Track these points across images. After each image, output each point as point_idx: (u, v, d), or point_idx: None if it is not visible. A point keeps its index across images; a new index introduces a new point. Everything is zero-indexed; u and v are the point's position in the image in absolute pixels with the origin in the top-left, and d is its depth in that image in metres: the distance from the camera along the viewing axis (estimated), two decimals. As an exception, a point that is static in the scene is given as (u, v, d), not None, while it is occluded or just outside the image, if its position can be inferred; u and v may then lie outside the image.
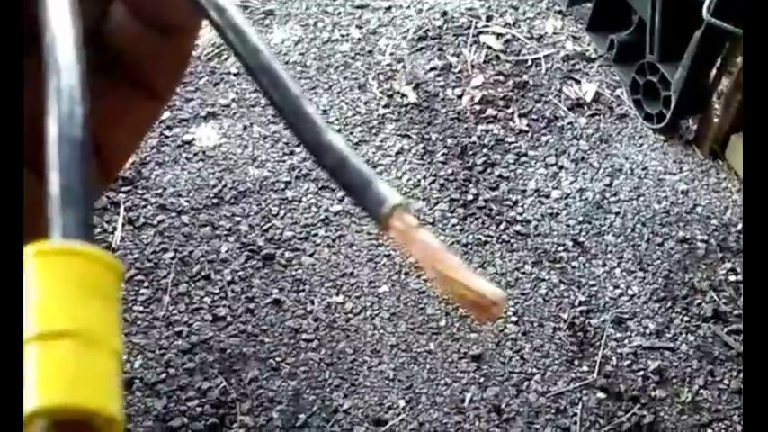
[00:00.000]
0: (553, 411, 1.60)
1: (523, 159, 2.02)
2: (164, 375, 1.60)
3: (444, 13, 2.38)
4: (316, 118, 0.21)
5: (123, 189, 1.89)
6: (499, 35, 2.33)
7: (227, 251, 1.79)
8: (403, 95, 2.15)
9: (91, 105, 0.20)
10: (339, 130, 2.04)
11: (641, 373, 1.66)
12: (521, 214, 1.90)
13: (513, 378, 1.64)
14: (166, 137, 2.02)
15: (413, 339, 1.68)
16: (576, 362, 1.67)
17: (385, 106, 2.12)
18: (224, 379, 1.60)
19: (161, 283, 1.74)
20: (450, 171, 1.97)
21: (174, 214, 1.86)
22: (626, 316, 1.74)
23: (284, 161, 1.98)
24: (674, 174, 2.01)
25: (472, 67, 2.23)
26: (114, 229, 1.82)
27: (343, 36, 2.32)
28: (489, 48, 2.29)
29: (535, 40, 2.32)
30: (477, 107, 2.13)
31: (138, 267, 1.76)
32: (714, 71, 1.97)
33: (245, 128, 2.05)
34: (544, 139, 2.07)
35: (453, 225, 1.87)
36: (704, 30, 1.82)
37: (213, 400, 1.57)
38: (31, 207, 0.20)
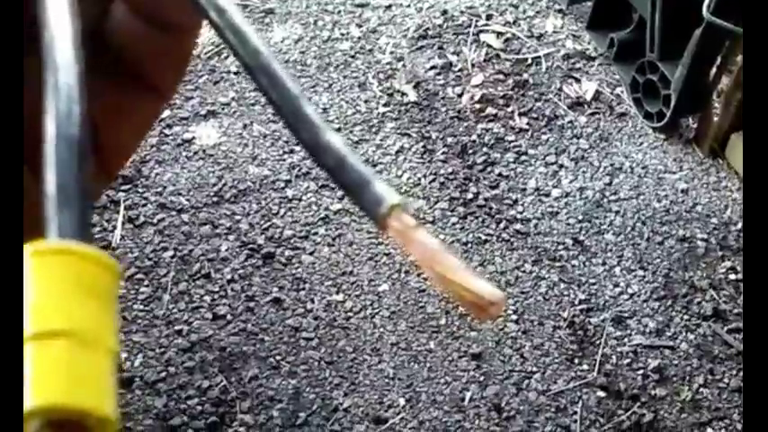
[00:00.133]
0: (553, 410, 1.60)
1: (523, 158, 2.02)
2: (164, 374, 1.60)
3: (444, 12, 2.38)
4: (314, 118, 0.21)
5: (123, 187, 1.89)
6: (499, 34, 2.33)
7: (227, 250, 1.79)
8: (403, 94, 2.15)
9: (92, 104, 0.20)
10: (339, 129, 2.04)
11: (641, 371, 1.66)
12: (521, 213, 1.90)
13: (514, 377, 1.64)
14: (166, 135, 2.02)
15: (413, 338, 1.68)
16: (576, 360, 1.67)
17: (385, 105, 2.12)
18: (224, 377, 1.60)
19: (161, 281, 1.74)
20: (450, 170, 1.97)
21: (174, 213, 1.86)
22: (626, 314, 1.74)
23: (284, 160, 1.98)
24: (674, 172, 2.01)
25: (472, 65, 2.23)
26: (114, 227, 1.82)
27: (343, 35, 2.32)
28: (489, 46, 2.29)
29: (535, 38, 2.32)
30: (478, 106, 2.12)
31: (138, 266, 1.76)
32: (714, 70, 1.97)
33: (245, 126, 2.05)
34: (544, 137, 2.07)
35: (453, 224, 1.87)
36: (704, 28, 1.82)
37: (213, 398, 1.57)
38: (30, 207, 0.20)
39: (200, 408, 1.56)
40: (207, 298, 1.71)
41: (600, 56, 2.28)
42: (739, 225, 1.90)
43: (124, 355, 1.62)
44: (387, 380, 1.62)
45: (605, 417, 1.60)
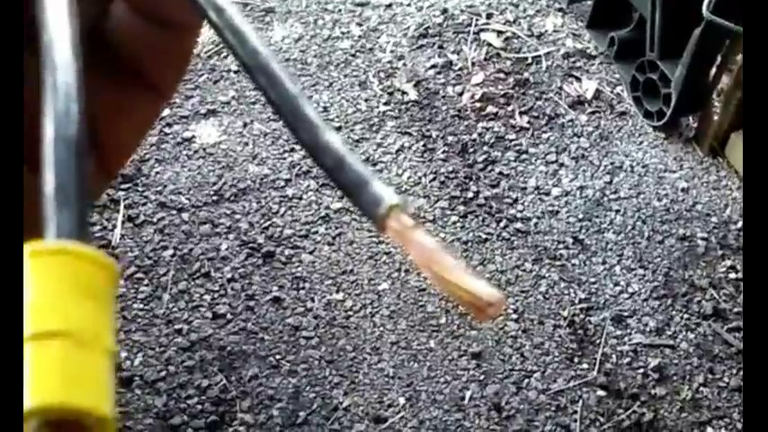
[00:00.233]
0: (553, 409, 1.60)
1: (524, 157, 2.02)
2: (163, 373, 1.60)
3: (445, 11, 2.38)
4: (313, 117, 0.21)
5: (123, 186, 1.89)
6: (500, 33, 2.33)
7: (227, 249, 1.79)
8: (403, 93, 2.15)
9: (91, 103, 0.20)
10: (339, 128, 2.04)
11: (641, 370, 1.66)
12: (521, 212, 1.90)
13: (514, 376, 1.64)
14: (166, 134, 2.01)
15: (413, 337, 1.68)
16: (576, 359, 1.67)
17: (385, 103, 2.12)
18: (224, 376, 1.60)
19: (161, 280, 1.74)
20: (450, 168, 1.97)
21: (173, 212, 1.86)
22: (626, 313, 1.74)
23: (284, 158, 1.97)
24: (674, 171, 2.01)
25: (473, 64, 2.23)
26: (114, 226, 1.82)
27: (343, 33, 2.32)
28: (490, 45, 2.29)
29: (535, 37, 2.32)
30: (478, 104, 2.12)
31: (138, 265, 1.76)
32: (714, 69, 1.97)
33: (245, 125, 2.05)
34: (544, 136, 2.07)
35: (454, 222, 1.87)
36: (704, 27, 1.82)
37: (213, 397, 1.57)
38: (30, 206, 0.20)
39: (199, 407, 1.56)
40: (207, 297, 1.71)
41: (600, 55, 2.28)
42: (739, 224, 1.90)
43: (124, 354, 1.62)
44: (387, 379, 1.62)
45: (605, 416, 1.60)
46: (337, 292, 1.74)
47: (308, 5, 2.39)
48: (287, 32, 2.30)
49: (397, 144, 2.03)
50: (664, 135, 2.09)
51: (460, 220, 1.88)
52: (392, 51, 2.27)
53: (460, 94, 2.15)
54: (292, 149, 1.99)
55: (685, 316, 1.74)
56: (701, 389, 1.64)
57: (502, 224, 1.87)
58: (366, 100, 2.13)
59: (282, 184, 1.92)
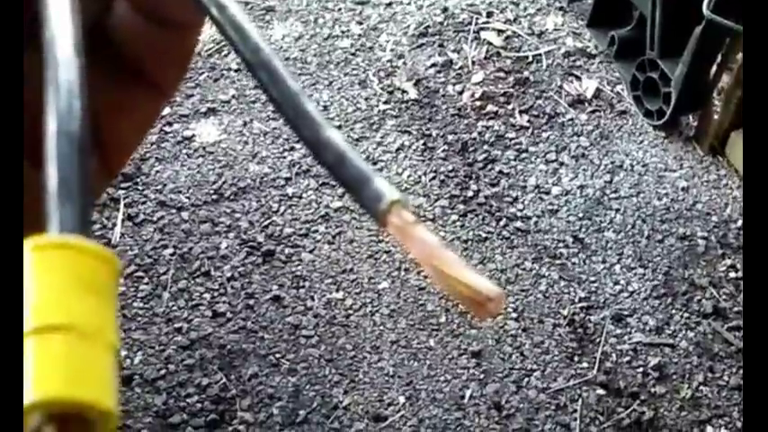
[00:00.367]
0: (553, 408, 1.60)
1: (524, 155, 2.02)
2: (163, 371, 1.60)
3: (445, 10, 2.38)
4: (315, 115, 0.21)
5: (123, 185, 1.89)
6: (500, 31, 2.33)
7: (226, 247, 1.79)
8: (403, 91, 2.15)
9: (94, 100, 0.20)
10: (339, 126, 2.04)
11: (641, 369, 1.66)
12: (521, 210, 1.90)
13: (513, 374, 1.64)
14: (166, 133, 2.02)
15: (413, 336, 1.68)
16: (576, 358, 1.67)
17: (385, 102, 2.12)
18: (224, 375, 1.60)
19: (161, 279, 1.74)
20: (450, 167, 1.97)
21: (173, 210, 1.86)
22: (626, 312, 1.74)
23: (284, 157, 1.98)
24: (675, 170, 2.01)
25: (473, 63, 2.23)
26: (114, 225, 1.82)
27: (343, 32, 2.32)
28: (490, 44, 2.29)
29: (536, 36, 2.32)
30: (478, 103, 2.12)
31: (138, 264, 1.76)
32: (714, 68, 1.97)
33: (245, 124, 2.05)
34: (545, 135, 2.07)
35: (453, 221, 1.87)
36: (704, 26, 1.82)
37: (213, 396, 1.57)
38: (33, 202, 0.20)
39: (199, 405, 1.56)
40: (207, 296, 1.71)
41: (600, 53, 2.28)
42: (739, 223, 1.90)
43: (124, 352, 1.62)
44: (386, 377, 1.62)
45: (605, 414, 1.60)
46: (337, 290, 1.74)
47: (308, 4, 2.39)
48: (287, 31, 2.30)
49: (397, 143, 2.03)
50: (664, 134, 2.09)
51: (460, 218, 1.88)
52: (392, 50, 2.27)
53: (461, 93, 2.15)
54: (292, 148, 1.99)
55: (685, 315, 1.74)
56: (701, 387, 1.64)
57: (502, 223, 1.87)
58: (366, 99, 2.13)
59: (282, 182, 1.92)
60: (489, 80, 2.19)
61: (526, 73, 2.21)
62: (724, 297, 1.77)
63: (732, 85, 1.94)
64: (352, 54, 2.25)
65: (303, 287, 1.74)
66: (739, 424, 1.60)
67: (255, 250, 1.79)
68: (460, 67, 2.22)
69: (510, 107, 2.12)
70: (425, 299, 1.73)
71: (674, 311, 1.75)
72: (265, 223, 1.84)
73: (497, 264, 1.80)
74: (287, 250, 1.79)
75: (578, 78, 2.22)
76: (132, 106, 0.29)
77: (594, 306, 1.75)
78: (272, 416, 1.56)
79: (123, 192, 1.88)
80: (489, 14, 2.37)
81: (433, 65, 2.22)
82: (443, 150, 2.01)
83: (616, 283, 1.79)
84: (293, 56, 2.23)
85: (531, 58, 2.26)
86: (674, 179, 1.99)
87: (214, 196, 1.89)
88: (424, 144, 2.02)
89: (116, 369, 0.17)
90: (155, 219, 1.84)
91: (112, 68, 0.27)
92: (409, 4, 2.40)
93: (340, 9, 2.38)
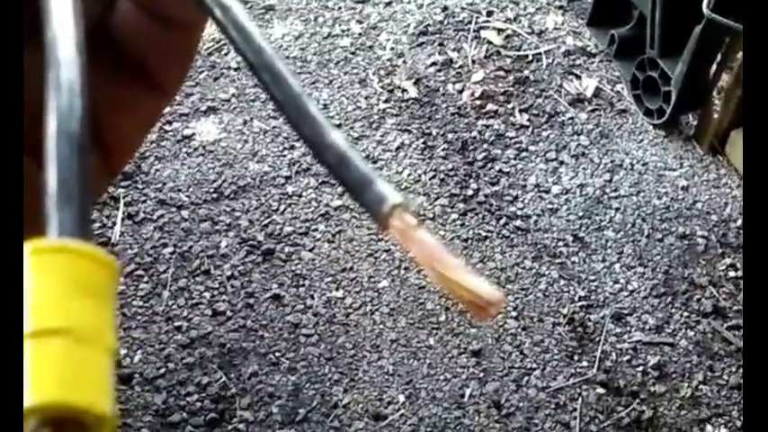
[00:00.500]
0: (553, 406, 1.60)
1: (524, 154, 2.02)
2: (163, 370, 1.60)
3: (445, 8, 2.37)
4: (317, 116, 0.21)
5: (123, 184, 1.89)
6: (500, 30, 2.33)
7: (226, 246, 1.79)
8: (403, 90, 2.15)
9: (95, 99, 0.20)
10: (339, 125, 2.04)
11: (641, 368, 1.66)
12: (521, 209, 1.90)
13: (513, 373, 1.64)
14: (166, 131, 2.01)
15: (412, 334, 1.68)
16: (576, 357, 1.67)
17: (385, 101, 2.12)
18: (223, 374, 1.60)
19: (160, 278, 1.74)
20: (450, 166, 1.97)
21: (173, 209, 1.86)
22: (626, 311, 1.74)
23: (284, 156, 1.97)
24: (674, 169, 2.01)
25: (473, 62, 2.23)
26: (114, 223, 1.82)
27: (343, 31, 2.31)
28: (490, 43, 2.29)
29: (536, 35, 2.32)
30: (478, 102, 2.12)
31: (138, 262, 1.76)
32: (714, 67, 1.97)
33: (245, 122, 2.05)
34: (545, 134, 2.07)
35: (453, 220, 1.87)
36: (704, 25, 1.82)
37: (213, 394, 1.57)
38: (37, 201, 0.20)
39: (199, 404, 1.56)
40: (206, 294, 1.71)
41: (600, 53, 2.28)
42: (739, 222, 1.90)
43: (124, 351, 1.62)
44: (386, 376, 1.62)
45: (605, 413, 1.60)
46: (337, 289, 1.74)
47: (308, 3, 2.39)
48: (287, 30, 2.30)
49: (396, 142, 2.03)
50: (664, 133, 2.09)
51: (460, 217, 1.88)
52: (392, 49, 2.27)
53: (460, 92, 2.15)
54: (292, 147, 1.99)
55: (685, 314, 1.74)
56: (701, 386, 1.65)
57: (502, 222, 1.87)
58: (366, 97, 2.13)
59: (282, 181, 1.92)
60: (489, 79, 2.19)
61: (526, 72, 2.21)
62: (724, 296, 1.77)
63: (732, 84, 1.94)
64: (352, 53, 2.25)
65: (303, 286, 1.74)
66: (739, 423, 1.60)
67: (255, 249, 1.79)
68: (460, 66, 2.22)
69: (510, 106, 2.12)
70: (425, 297, 1.73)
71: (673, 310, 1.75)
72: (265, 222, 1.84)
73: (497, 262, 1.80)
74: (287, 249, 1.79)
75: (578, 77, 2.22)
76: (134, 105, 0.29)
77: (594, 305, 1.75)
78: (271, 414, 1.56)
79: (123, 190, 1.88)
80: (489, 13, 2.37)
81: (433, 64, 2.22)
82: (443, 149, 2.01)
83: (616, 281, 1.79)
84: (293, 54, 2.23)
85: (531, 57, 2.26)
86: (674, 178, 1.99)
87: (214, 195, 1.89)
88: (424, 143, 2.02)
89: (113, 372, 0.17)
90: (154, 217, 1.84)
91: (114, 67, 0.27)
92: (409, 2, 2.40)
93: (340, 8, 2.38)
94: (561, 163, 2.01)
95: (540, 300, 1.75)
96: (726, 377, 1.66)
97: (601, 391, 1.63)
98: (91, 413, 0.16)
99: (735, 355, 1.69)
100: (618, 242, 1.86)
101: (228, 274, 1.75)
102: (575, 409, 1.60)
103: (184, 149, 1.98)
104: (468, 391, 1.61)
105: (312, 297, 1.72)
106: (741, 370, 1.66)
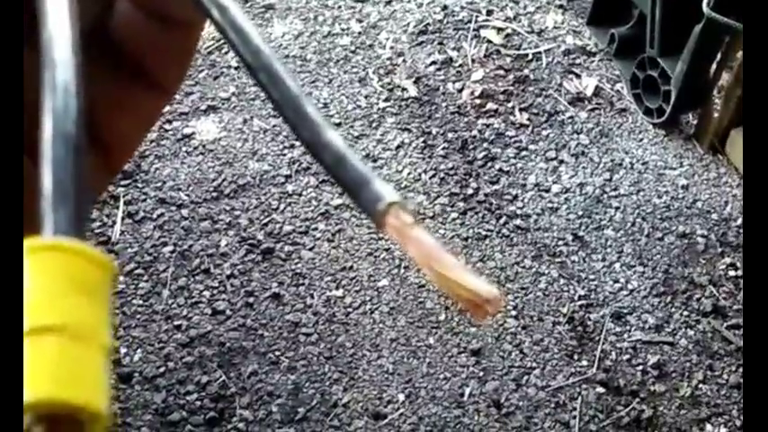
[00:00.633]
0: (552, 406, 1.60)
1: (524, 153, 2.02)
2: (163, 369, 1.60)
3: (445, 7, 2.37)
4: (315, 116, 0.21)
5: (123, 183, 1.89)
6: (500, 29, 2.33)
7: (226, 245, 1.79)
8: (403, 89, 2.15)
9: (94, 100, 0.19)
10: (339, 124, 2.04)
11: (640, 367, 1.66)
12: (521, 208, 1.90)
13: (513, 372, 1.64)
14: (166, 130, 2.01)
15: (412, 333, 1.68)
16: (576, 356, 1.67)
17: (385, 100, 2.12)
18: (223, 373, 1.60)
19: (160, 276, 1.74)
20: (450, 165, 1.97)
21: (173, 208, 1.86)
22: (625, 310, 1.74)
23: (284, 155, 1.97)
24: (674, 168, 2.01)
25: (473, 61, 2.23)
26: (114, 222, 1.82)
27: (343, 30, 2.31)
28: (490, 42, 2.29)
29: (536, 34, 2.32)
30: (478, 101, 2.12)
31: (138, 261, 1.76)
32: (714, 66, 1.97)
33: (245, 121, 2.05)
34: (544, 133, 2.07)
35: (453, 219, 1.87)
36: (704, 24, 1.82)
37: (212, 393, 1.57)
38: (31, 200, 0.20)
39: (199, 403, 1.56)
40: (206, 293, 1.71)
41: (600, 51, 2.28)
42: (739, 221, 1.90)
43: (123, 350, 1.62)
44: (386, 375, 1.62)
45: (604, 412, 1.60)
46: (337, 288, 1.74)
47: (307, 2, 2.39)
48: (287, 29, 2.30)
49: (396, 141, 2.03)
50: (664, 132, 2.09)
51: (460, 216, 1.88)
52: (392, 48, 2.27)
53: (460, 91, 2.15)
54: (292, 146, 1.99)
55: (685, 313, 1.74)
56: (701, 386, 1.65)
57: (501, 221, 1.87)
58: (366, 96, 2.13)
59: (282, 180, 1.92)
60: (489, 78, 2.19)
61: (526, 71, 2.21)
62: (723, 295, 1.77)
63: (732, 83, 1.94)
64: (352, 52, 2.25)
65: (303, 285, 1.74)
66: (739, 422, 1.60)
67: (255, 248, 1.79)
68: (460, 65, 2.22)
69: (510, 105, 2.12)
70: (425, 297, 1.73)
71: (673, 310, 1.75)
72: (265, 221, 1.84)
73: (497, 261, 1.80)
74: (286, 248, 1.79)
75: (578, 76, 2.22)
76: (133, 104, 0.29)
77: (594, 304, 1.75)
78: (271, 413, 1.56)
79: (123, 189, 1.88)
80: (489, 12, 2.37)
81: (433, 63, 2.22)
82: (443, 148, 2.01)
83: (616, 281, 1.79)
84: (293, 53, 2.23)
85: (530, 56, 2.26)
86: (674, 177, 1.99)
87: (214, 194, 1.89)
88: (424, 142, 2.02)
89: (109, 370, 0.17)
90: (154, 216, 1.84)
91: (114, 67, 0.27)
92: (409, 1, 2.40)
93: (340, 7, 2.38)
94: (561, 162, 2.01)
95: (540, 299, 1.75)
96: (726, 376, 1.66)
97: (600, 390, 1.63)
98: (86, 410, 0.16)
99: (734, 355, 1.69)
100: (618, 241, 1.86)
101: (228, 272, 1.75)
102: (574, 409, 1.60)
103: (184, 148, 1.98)
104: (467, 390, 1.61)
105: (312, 296, 1.72)
106: (741, 369, 1.66)
